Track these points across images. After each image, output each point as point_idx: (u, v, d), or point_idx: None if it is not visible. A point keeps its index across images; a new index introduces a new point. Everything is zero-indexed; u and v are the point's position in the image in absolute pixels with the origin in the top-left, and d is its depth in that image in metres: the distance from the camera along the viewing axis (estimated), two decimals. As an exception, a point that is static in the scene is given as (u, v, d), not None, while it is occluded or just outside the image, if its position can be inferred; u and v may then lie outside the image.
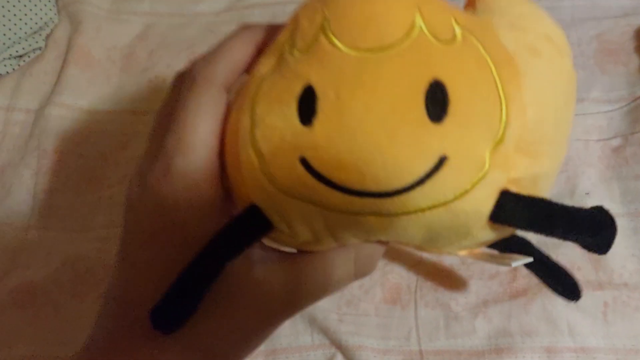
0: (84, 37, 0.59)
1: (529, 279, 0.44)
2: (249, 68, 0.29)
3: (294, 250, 0.29)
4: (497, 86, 0.24)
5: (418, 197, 0.23)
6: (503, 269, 0.45)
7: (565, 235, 0.25)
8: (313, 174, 0.23)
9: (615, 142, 0.49)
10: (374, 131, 0.23)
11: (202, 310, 0.26)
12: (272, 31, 0.29)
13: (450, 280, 0.45)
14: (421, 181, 0.23)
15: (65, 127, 0.55)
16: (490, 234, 0.26)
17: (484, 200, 0.24)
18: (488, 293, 0.44)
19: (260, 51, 0.29)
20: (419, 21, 0.24)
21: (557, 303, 0.43)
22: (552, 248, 0.45)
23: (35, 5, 0.59)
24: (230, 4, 0.62)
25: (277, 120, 0.24)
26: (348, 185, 0.23)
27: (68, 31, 0.59)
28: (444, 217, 0.24)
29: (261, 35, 0.29)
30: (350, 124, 0.23)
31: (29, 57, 0.58)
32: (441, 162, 0.23)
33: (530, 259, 0.33)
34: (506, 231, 0.27)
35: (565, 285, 0.37)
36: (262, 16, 0.61)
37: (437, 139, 0.23)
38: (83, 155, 0.54)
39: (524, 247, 0.35)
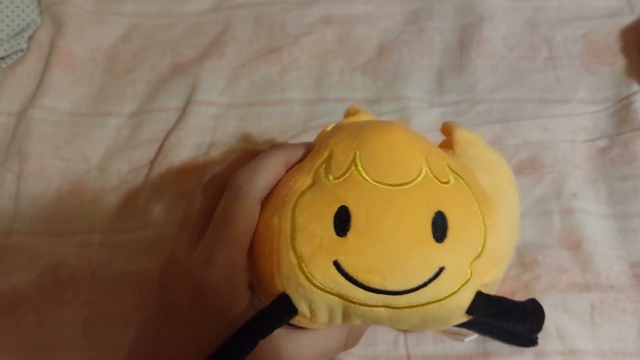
0: (66, 39, 0.58)
1: (516, 282, 0.44)
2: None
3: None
4: (480, 217, 0.33)
5: (421, 295, 0.30)
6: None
7: (515, 324, 0.35)
8: (343, 274, 0.30)
9: (602, 143, 0.49)
10: (395, 246, 0.30)
11: None
12: (300, 152, 0.36)
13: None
14: (425, 284, 0.30)
15: (47, 130, 0.54)
16: (461, 320, 0.34)
17: (465, 299, 0.32)
18: (475, 296, 0.44)
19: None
20: (425, 167, 0.33)
21: (545, 306, 0.42)
22: (540, 250, 0.45)
23: (18, 7, 0.58)
24: (215, 5, 0.62)
25: (317, 229, 0.31)
26: (370, 285, 0.30)
27: (50, 33, 0.59)
28: (436, 310, 0.31)
29: (293, 156, 0.36)
30: (378, 239, 0.30)
31: (10, 59, 0.57)
32: (440, 271, 0.31)
33: (475, 335, 0.42)
34: (470, 317, 0.34)
35: (522, 337, 0.42)
36: (247, 16, 0.60)
37: (439, 254, 0.31)
38: (65, 158, 0.53)
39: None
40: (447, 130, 0.40)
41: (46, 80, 0.56)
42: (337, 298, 0.31)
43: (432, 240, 0.31)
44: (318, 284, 0.31)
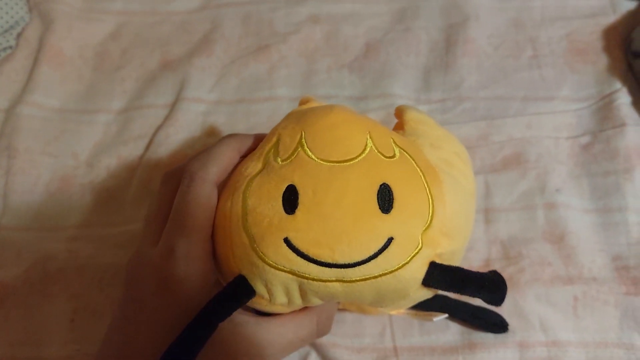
0: (55, 36, 0.58)
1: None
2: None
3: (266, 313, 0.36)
4: (426, 188, 0.34)
5: (373, 267, 0.31)
6: (475, 264, 0.46)
7: (474, 293, 0.34)
8: (294, 250, 0.31)
9: (585, 140, 0.50)
10: (341, 219, 0.31)
11: None
12: (251, 140, 0.38)
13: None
14: (375, 255, 0.31)
15: (36, 126, 0.54)
16: (421, 295, 0.35)
17: (418, 269, 0.32)
18: (461, 289, 0.45)
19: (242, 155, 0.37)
20: (370, 142, 0.34)
21: (529, 299, 0.43)
22: (524, 244, 0.46)
23: (6, 4, 0.58)
24: (204, 3, 0.62)
25: (267, 209, 0.32)
26: (321, 258, 0.31)
27: (39, 30, 0.59)
28: (390, 282, 0.32)
29: (244, 144, 0.37)
30: (324, 213, 0.31)
31: (-1, 56, 0.57)
32: (389, 241, 0.31)
33: (445, 315, 0.43)
34: (432, 293, 0.35)
35: (490, 321, 0.43)
36: (236, 15, 0.61)
37: (386, 225, 0.31)
38: (54, 154, 0.53)
39: (442, 303, 0.43)
40: (398, 113, 0.41)
41: (35, 76, 0.56)
42: (290, 275, 0.31)
43: (379, 211, 0.31)
44: (271, 262, 0.31)
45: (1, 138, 0.53)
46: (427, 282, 0.33)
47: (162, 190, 0.37)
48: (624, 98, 0.51)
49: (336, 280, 0.31)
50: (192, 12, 0.61)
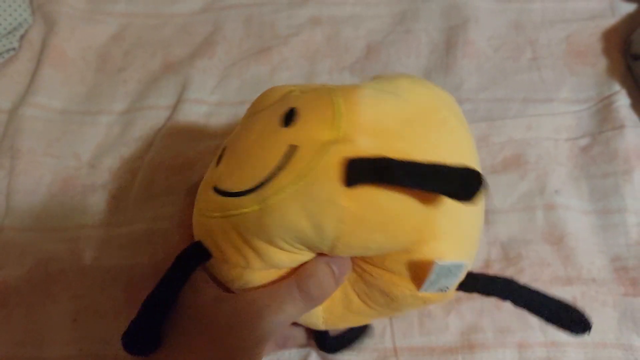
0: (58, 38, 0.58)
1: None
2: None
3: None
4: (332, 100, 0.31)
5: (283, 178, 0.29)
6: (475, 265, 0.46)
7: (413, 184, 0.28)
8: (219, 193, 0.31)
9: (584, 142, 0.51)
10: (248, 148, 0.31)
11: (168, 344, 0.32)
12: None
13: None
14: (281, 166, 0.29)
15: (39, 128, 0.55)
16: (356, 205, 0.29)
17: (333, 170, 0.28)
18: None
19: None
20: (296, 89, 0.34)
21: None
22: (523, 245, 0.46)
23: (10, 6, 0.59)
24: (206, 5, 0.62)
25: (207, 173, 0.34)
26: (236, 189, 0.30)
27: (42, 32, 0.59)
28: (308, 192, 0.29)
29: None
30: (236, 150, 0.32)
31: (2, 57, 0.58)
32: (292, 150, 0.29)
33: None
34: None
35: (570, 318, 0.35)
36: (237, 17, 0.61)
37: (286, 135, 0.30)
38: (56, 155, 0.53)
39: (509, 287, 0.35)
40: None
41: (38, 78, 0.56)
42: (223, 219, 0.31)
43: (279, 127, 0.31)
44: (207, 214, 0.32)
45: (4, 139, 0.54)
46: (350, 181, 0.28)
47: (185, 201, 0.38)
48: (623, 100, 0.51)
49: (257, 205, 0.29)
50: (194, 14, 0.62)
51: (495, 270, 0.45)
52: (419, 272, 0.31)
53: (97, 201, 0.51)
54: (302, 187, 0.29)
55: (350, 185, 0.28)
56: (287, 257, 0.32)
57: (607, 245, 0.46)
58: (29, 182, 0.52)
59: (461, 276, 0.32)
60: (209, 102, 0.56)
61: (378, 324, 0.44)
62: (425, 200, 0.29)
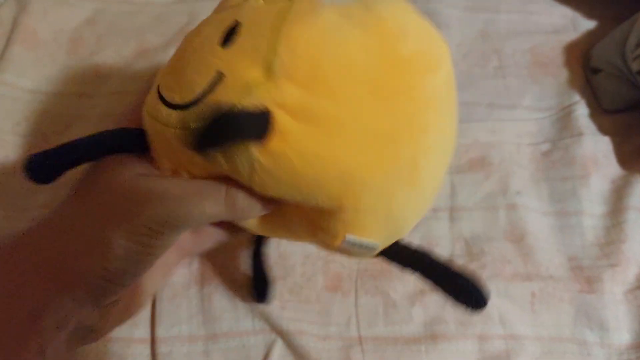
0: (30, 18, 0.57)
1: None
2: None
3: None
4: (274, 28, 0.28)
5: (204, 108, 0.27)
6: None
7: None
8: (160, 98, 0.30)
9: (545, 147, 0.53)
10: (187, 58, 0.30)
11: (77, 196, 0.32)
12: None
13: (389, 269, 0.47)
14: (205, 93, 0.28)
15: (6, 106, 0.53)
16: (267, 159, 0.28)
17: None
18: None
19: None
20: None
21: (490, 293, 0.45)
22: (486, 242, 0.48)
23: (-21, -16, 0.58)
24: (181, -4, 0.62)
25: (161, 71, 0.32)
26: (168, 99, 0.29)
27: (14, 11, 0.58)
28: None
29: None
30: (178, 54, 0.31)
31: (-30, 34, 0.56)
32: (219, 78, 0.28)
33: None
34: None
35: (468, 293, 0.34)
36: (211, 10, 0.61)
37: (218, 59, 0.28)
38: (23, 134, 0.52)
39: (422, 259, 0.35)
40: None
41: (7, 56, 0.55)
42: (156, 122, 0.30)
43: (217, 46, 0.29)
44: (148, 110, 0.31)
45: (-31, 116, 0.52)
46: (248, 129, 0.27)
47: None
48: (582, 110, 0.54)
49: (180, 128, 0.28)
50: (169, 4, 0.62)
51: (458, 264, 0.46)
52: (335, 233, 0.31)
53: (64, 181, 0.50)
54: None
55: (257, 136, 0.27)
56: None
57: (565, 245, 0.48)
58: (-6, 160, 0.51)
59: (373, 253, 0.33)
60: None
61: (344, 312, 0.45)
62: (345, 175, 0.28)
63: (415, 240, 0.48)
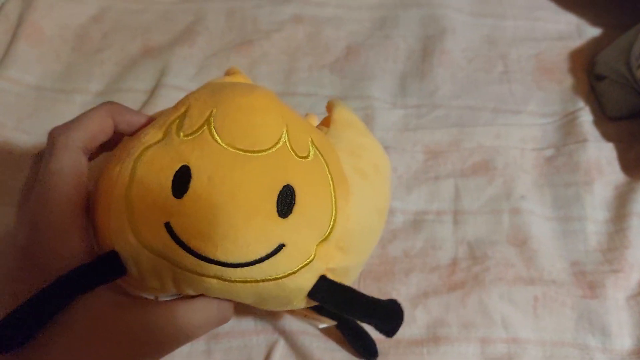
0: (36, 14, 0.57)
1: (467, 273, 0.46)
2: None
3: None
4: (332, 198, 0.31)
5: (255, 271, 0.29)
6: (443, 262, 0.47)
7: (362, 317, 0.34)
8: (173, 237, 0.28)
9: (549, 152, 0.53)
10: (233, 215, 0.28)
11: (47, 341, 0.28)
12: (135, 114, 0.34)
13: (393, 271, 0.47)
14: (261, 260, 0.29)
15: (9, 102, 0.53)
16: (307, 305, 0.33)
17: (306, 281, 0.31)
18: (428, 285, 0.46)
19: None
20: (285, 137, 0.31)
21: (493, 296, 0.45)
22: (489, 245, 0.47)
23: (-15, -20, 0.58)
24: (189, -5, 0.62)
25: (154, 185, 0.29)
26: (201, 252, 0.28)
27: (20, 7, 0.58)
28: (272, 289, 0.30)
29: (122, 113, 0.33)
30: (215, 204, 0.28)
31: (-24, 29, 0.56)
32: (279, 248, 0.29)
33: (334, 322, 0.40)
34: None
35: (366, 347, 0.42)
36: (220, 9, 0.61)
37: (280, 230, 0.29)
38: (26, 131, 0.52)
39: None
40: (329, 107, 0.39)
41: (12, 52, 0.55)
42: (165, 262, 0.29)
43: (275, 214, 0.29)
44: (146, 244, 0.29)
45: (-28, 110, 0.52)
46: (313, 295, 0.31)
47: (33, 167, 0.34)
48: (586, 116, 0.54)
49: (214, 277, 0.29)
50: (175, 3, 0.62)
51: (462, 267, 0.46)
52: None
53: None
54: (270, 285, 0.30)
55: (312, 299, 0.32)
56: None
57: (567, 250, 0.48)
58: (-3, 155, 0.51)
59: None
60: (188, 90, 0.55)
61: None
62: None
63: (418, 243, 0.48)
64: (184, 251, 0.28)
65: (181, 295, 0.33)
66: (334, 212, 0.31)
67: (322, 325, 0.41)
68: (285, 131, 0.31)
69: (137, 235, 0.29)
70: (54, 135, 0.31)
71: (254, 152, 0.30)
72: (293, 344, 0.43)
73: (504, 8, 0.62)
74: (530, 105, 0.56)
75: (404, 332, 0.44)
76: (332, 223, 0.31)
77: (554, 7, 0.62)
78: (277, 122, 0.31)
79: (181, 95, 0.54)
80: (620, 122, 0.54)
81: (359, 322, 0.40)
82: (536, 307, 0.45)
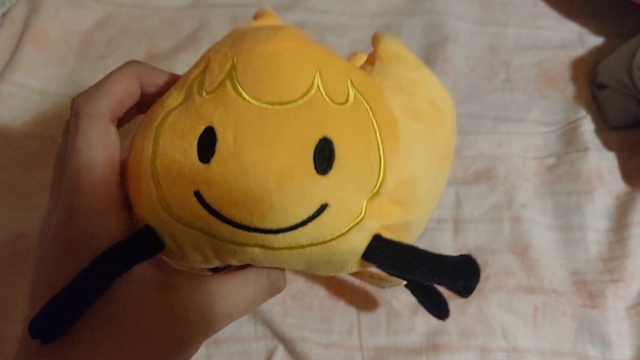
0: (42, 19, 0.58)
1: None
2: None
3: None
4: (378, 147, 0.28)
5: (299, 236, 0.26)
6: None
7: (428, 278, 0.30)
8: (205, 206, 0.26)
9: (550, 161, 0.53)
10: (265, 177, 0.25)
11: (89, 330, 0.26)
12: (161, 73, 0.32)
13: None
14: (303, 223, 0.26)
15: (14, 106, 0.54)
16: (363, 268, 0.30)
17: (358, 243, 0.28)
18: (428, 293, 0.46)
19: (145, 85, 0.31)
20: (318, 82, 0.27)
21: (492, 305, 0.45)
22: (490, 254, 0.48)
23: (-8, -16, 0.58)
24: (193, 1, 0.63)
25: (178, 154, 0.26)
26: (236, 220, 0.26)
27: (25, 11, 0.59)
28: (321, 253, 0.27)
29: (148, 73, 0.31)
30: (245, 167, 0.25)
31: (-18, 34, 0.57)
32: (322, 208, 0.26)
33: (403, 282, 0.36)
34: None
35: (438, 306, 0.40)
36: (224, 16, 0.62)
37: (321, 189, 0.26)
38: (31, 135, 0.53)
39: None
40: (374, 41, 0.34)
41: (18, 56, 0.56)
42: (201, 234, 0.27)
43: (313, 171, 0.26)
44: (178, 217, 0.27)
45: (-22, 114, 0.53)
46: (368, 257, 0.28)
47: (62, 144, 0.31)
48: (588, 125, 0.54)
49: (256, 246, 0.27)
50: (181, 9, 0.62)
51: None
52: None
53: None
54: (318, 250, 0.27)
55: (367, 261, 0.29)
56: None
57: (568, 259, 0.48)
58: (1, 159, 0.51)
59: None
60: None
61: (346, 320, 0.45)
62: None
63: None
64: (219, 220, 0.26)
65: (230, 267, 0.31)
66: (382, 162, 0.28)
67: (390, 286, 0.37)
68: (317, 75, 0.27)
69: (167, 209, 0.27)
70: (79, 104, 0.28)
71: (283, 103, 0.26)
72: (292, 351, 0.44)
73: (507, 16, 0.62)
74: (533, 113, 0.56)
75: (403, 339, 0.44)
76: (381, 175, 0.28)
77: (556, 15, 0.62)
78: (307, 67, 0.27)
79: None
80: (621, 132, 0.54)
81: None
82: (536, 316, 0.45)
